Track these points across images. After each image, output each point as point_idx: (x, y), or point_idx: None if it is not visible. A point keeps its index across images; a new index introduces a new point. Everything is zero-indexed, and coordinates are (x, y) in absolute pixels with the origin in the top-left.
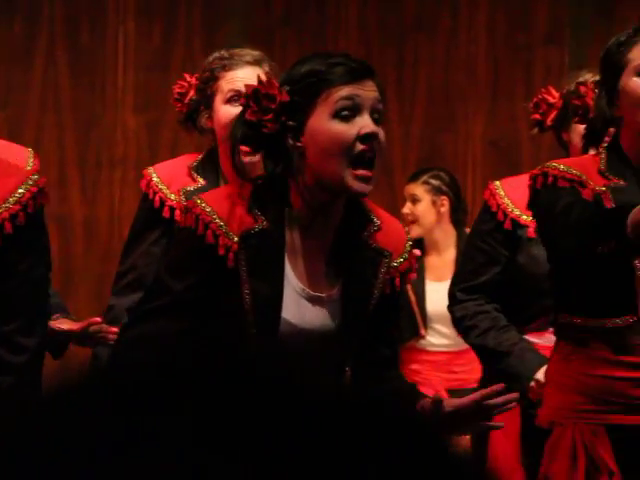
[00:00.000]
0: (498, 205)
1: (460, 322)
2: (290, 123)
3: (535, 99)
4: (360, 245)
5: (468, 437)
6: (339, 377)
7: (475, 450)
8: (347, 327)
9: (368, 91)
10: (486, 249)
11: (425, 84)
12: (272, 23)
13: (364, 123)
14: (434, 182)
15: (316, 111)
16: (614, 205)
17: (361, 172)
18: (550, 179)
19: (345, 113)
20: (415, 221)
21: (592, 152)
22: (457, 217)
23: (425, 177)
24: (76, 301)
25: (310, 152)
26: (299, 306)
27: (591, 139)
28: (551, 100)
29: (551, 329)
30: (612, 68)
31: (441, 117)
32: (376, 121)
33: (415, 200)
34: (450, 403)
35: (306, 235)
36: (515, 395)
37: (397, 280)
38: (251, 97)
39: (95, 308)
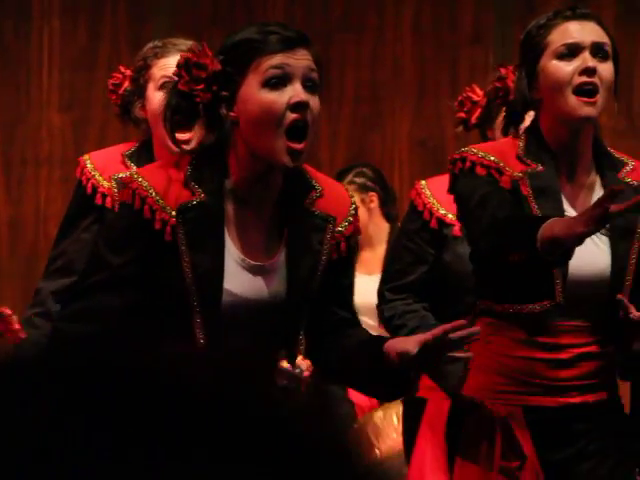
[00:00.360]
0: (424, 204)
1: (389, 321)
2: (223, 93)
3: (460, 97)
4: (303, 212)
5: (400, 440)
6: (292, 346)
7: (406, 447)
8: (294, 295)
9: (300, 59)
10: (413, 248)
11: (352, 83)
12: (199, 22)
13: (294, 92)
14: (359, 180)
15: (247, 80)
16: (531, 191)
17: (292, 145)
18: (468, 164)
19: (275, 82)
20: None
21: (511, 135)
22: (388, 210)
23: (350, 177)
24: (2, 303)
25: (242, 122)
26: (240, 276)
27: (511, 121)
28: (475, 98)
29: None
30: (532, 50)
31: (368, 116)
32: (309, 90)
33: None
34: (414, 340)
35: (245, 206)
36: (477, 328)
37: (343, 245)
38: (182, 66)
39: (21, 310)
